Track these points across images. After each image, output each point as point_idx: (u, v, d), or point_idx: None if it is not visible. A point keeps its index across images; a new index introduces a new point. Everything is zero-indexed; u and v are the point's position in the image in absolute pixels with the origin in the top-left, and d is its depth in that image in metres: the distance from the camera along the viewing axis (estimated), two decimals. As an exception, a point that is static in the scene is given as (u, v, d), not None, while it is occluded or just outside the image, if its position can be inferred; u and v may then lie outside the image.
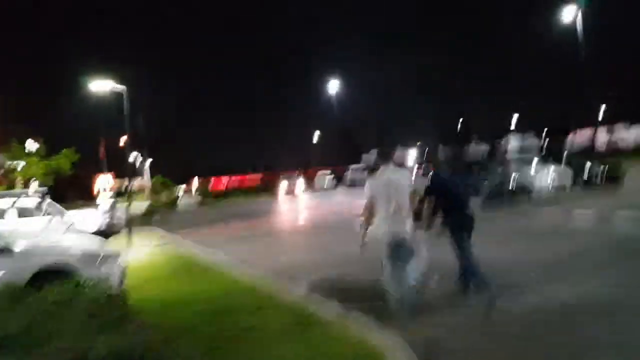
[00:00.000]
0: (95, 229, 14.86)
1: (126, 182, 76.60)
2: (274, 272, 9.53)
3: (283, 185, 46.37)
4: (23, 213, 14.01)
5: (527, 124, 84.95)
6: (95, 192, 22.69)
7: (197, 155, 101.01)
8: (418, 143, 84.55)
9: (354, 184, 44.78)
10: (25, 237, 8.04)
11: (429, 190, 6.50)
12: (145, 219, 28.68)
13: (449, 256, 6.84)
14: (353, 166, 49.30)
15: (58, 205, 15.08)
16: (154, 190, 51.27)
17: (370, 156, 78.63)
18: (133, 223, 25.77)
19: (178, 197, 46.47)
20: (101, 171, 23.44)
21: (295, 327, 5.66)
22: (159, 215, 32.34)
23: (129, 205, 17.42)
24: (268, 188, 51.73)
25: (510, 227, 12.98)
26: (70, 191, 58.75)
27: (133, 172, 76.79)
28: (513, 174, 20.10)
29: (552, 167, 20.76)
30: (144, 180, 65.28)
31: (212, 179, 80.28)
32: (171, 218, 31.58)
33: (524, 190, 19.64)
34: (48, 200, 14.80)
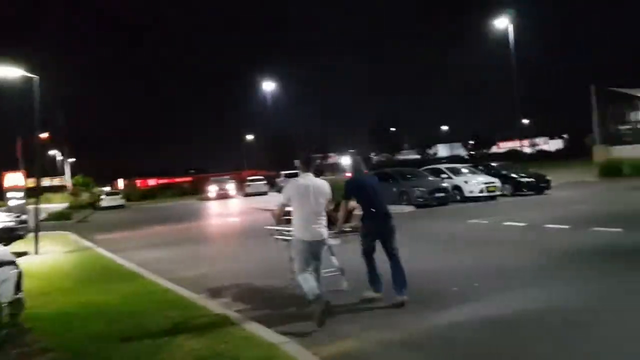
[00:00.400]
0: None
1: (39, 182, 72.48)
2: (189, 282, 8.75)
3: (213, 188, 44.91)
4: None
5: (454, 134, 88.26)
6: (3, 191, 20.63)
7: (127, 156, 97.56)
8: (350, 150, 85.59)
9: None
10: None
11: (347, 193, 6.52)
12: (61, 222, 26.85)
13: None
14: (285, 172, 48.55)
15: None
16: (74, 192, 48.52)
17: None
18: (45, 226, 24.06)
19: (100, 198, 44.02)
20: (10, 169, 21.45)
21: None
22: (77, 217, 30.49)
23: (37, 205, 15.95)
24: (198, 191, 50.15)
25: (442, 235, 12.75)
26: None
27: (47, 170, 73.14)
28: (444, 182, 20.18)
29: (481, 176, 20.97)
30: (65, 180, 61.83)
31: (139, 180, 77.48)
32: (91, 220, 29.75)
33: (454, 198, 19.75)
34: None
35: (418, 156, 79.46)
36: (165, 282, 8.60)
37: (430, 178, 20.59)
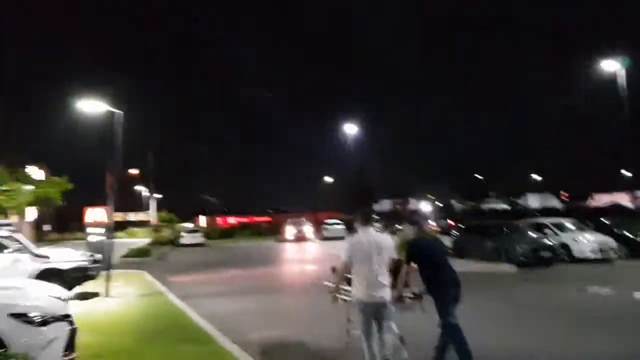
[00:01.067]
0: (70, 267, 12.70)
1: (122, 217, 74.63)
2: (262, 348, 7.49)
3: (290, 230, 44.07)
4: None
5: (544, 183, 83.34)
6: (84, 225, 20.49)
7: (206, 193, 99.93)
8: (429, 196, 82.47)
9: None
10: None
11: (409, 257, 5.99)
12: (140, 259, 26.67)
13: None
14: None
15: (26, 240, 13.10)
16: (156, 228, 49.31)
17: (381, 206, 76.64)
18: (123, 263, 23.89)
19: (181, 235, 44.26)
20: (95, 204, 21.29)
21: None
22: (156, 254, 30.38)
23: (111, 242, 15.40)
24: (275, 231, 49.57)
25: (559, 307, 10.70)
26: (60, 223, 57.23)
27: (132, 206, 75.71)
28: (549, 239, 17.94)
29: (591, 234, 18.51)
30: (149, 216, 63.50)
31: (219, 218, 78.63)
32: (168, 258, 29.49)
33: (561, 259, 17.42)
34: (15, 234, 12.89)
35: (506, 206, 75.36)
36: (237, 350, 7.30)
37: (532, 234, 18.40)
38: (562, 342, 7.58)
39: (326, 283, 6.70)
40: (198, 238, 43.35)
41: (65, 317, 6.21)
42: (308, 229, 44.22)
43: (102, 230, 20.07)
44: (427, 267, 5.98)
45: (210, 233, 53.98)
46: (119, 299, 12.28)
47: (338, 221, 45.05)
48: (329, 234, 42.37)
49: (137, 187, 71.16)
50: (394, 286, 5.75)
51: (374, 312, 5.43)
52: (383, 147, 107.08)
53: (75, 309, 10.89)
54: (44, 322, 5.59)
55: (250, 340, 8.08)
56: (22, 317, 5.49)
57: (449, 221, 42.06)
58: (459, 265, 17.39)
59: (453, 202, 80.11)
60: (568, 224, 19.92)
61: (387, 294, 5.49)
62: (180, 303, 11.44)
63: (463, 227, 21.22)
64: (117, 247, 31.72)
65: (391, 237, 5.85)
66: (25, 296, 6.19)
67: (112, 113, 14.22)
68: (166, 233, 47.42)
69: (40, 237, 43.52)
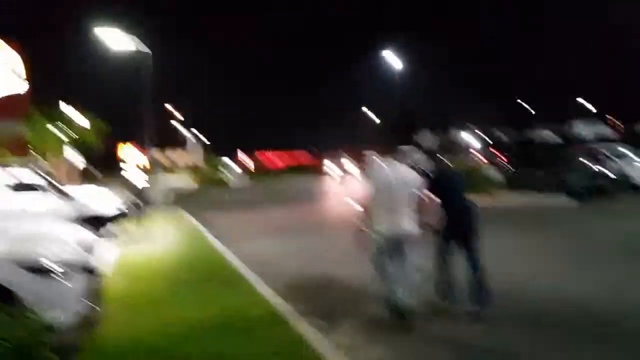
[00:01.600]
0: (109, 211, 12.36)
1: (163, 155, 75.25)
2: (305, 291, 7.06)
3: (334, 167, 43.53)
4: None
5: (589, 110, 79.02)
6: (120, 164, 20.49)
7: (243, 128, 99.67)
8: (471, 126, 79.57)
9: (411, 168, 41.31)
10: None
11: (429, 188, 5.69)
12: (186, 199, 26.71)
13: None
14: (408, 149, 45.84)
15: (59, 184, 12.79)
16: (196, 167, 49.61)
17: (423, 138, 74.95)
18: (166, 204, 23.90)
19: (227, 177, 44.52)
20: (124, 140, 21.10)
21: None
22: (200, 194, 30.50)
23: (153, 185, 15.16)
24: (318, 168, 49.20)
25: (615, 240, 9.68)
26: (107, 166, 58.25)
27: (176, 145, 76.23)
28: (605, 167, 16.64)
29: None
30: (190, 154, 64.00)
31: (261, 155, 78.84)
32: (213, 199, 29.51)
33: (623, 189, 16.13)
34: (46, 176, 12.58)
35: (553, 135, 72.27)
36: (274, 296, 6.79)
37: (590, 163, 17.12)
38: (631, 287, 6.64)
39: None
40: (243, 180, 43.63)
41: (88, 268, 5.79)
42: (352, 165, 43.51)
43: (143, 173, 20.09)
44: (441, 199, 5.75)
45: (254, 172, 54.25)
46: (157, 241, 12.00)
47: (375, 154, 44.20)
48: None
49: (176, 124, 71.39)
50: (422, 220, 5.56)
51: (394, 246, 5.28)
52: (427, 74, 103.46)
53: (108, 254, 10.69)
54: (62, 274, 5.13)
55: (293, 283, 7.62)
56: (36, 268, 5.04)
57: (495, 152, 40.58)
58: (513, 198, 16.56)
59: (495, 131, 77.30)
60: (626, 151, 18.45)
61: (412, 227, 5.32)
62: (220, 245, 11.03)
63: (514, 157, 19.99)
64: (162, 188, 32.14)
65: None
66: (43, 244, 5.72)
67: (143, 51, 13.56)
68: (211, 175, 47.73)
69: (86, 180, 44.29)
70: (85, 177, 32.02)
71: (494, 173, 18.87)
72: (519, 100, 72.59)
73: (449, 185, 5.88)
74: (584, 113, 75.78)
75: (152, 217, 15.82)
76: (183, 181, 45.11)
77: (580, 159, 17.43)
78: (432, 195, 5.63)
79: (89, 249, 7.38)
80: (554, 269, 7.70)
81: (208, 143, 66.99)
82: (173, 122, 71.38)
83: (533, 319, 5.52)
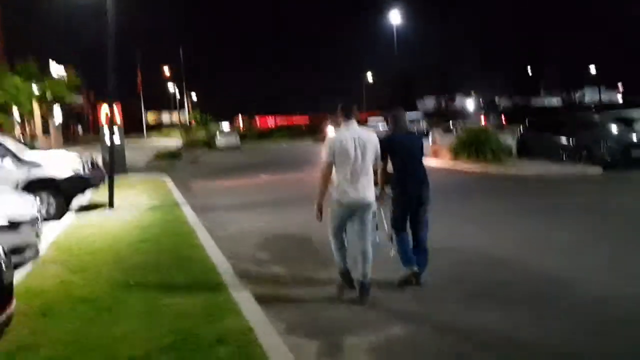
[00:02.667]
0: (65, 176, 10.56)
1: (155, 117, 72.86)
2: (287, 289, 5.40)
3: (331, 130, 41.51)
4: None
5: (596, 77, 76.74)
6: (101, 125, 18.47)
7: (243, 93, 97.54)
8: (474, 93, 77.32)
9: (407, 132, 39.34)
10: None
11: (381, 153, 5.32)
12: (170, 161, 24.91)
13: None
14: (408, 114, 43.76)
15: (13, 144, 10.99)
16: (186, 128, 47.54)
17: (425, 103, 72.63)
18: (150, 167, 22.18)
19: (216, 137, 42.29)
20: (103, 99, 19.18)
21: None
22: (187, 157, 28.65)
23: (112, 145, 13.25)
24: (315, 132, 46.97)
25: None
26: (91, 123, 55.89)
27: (165, 105, 73.73)
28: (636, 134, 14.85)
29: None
30: (184, 117, 61.84)
31: (257, 117, 76.61)
32: (200, 161, 27.73)
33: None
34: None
35: (556, 101, 70.32)
36: (254, 306, 5.02)
37: (619, 129, 15.31)
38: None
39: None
40: (233, 140, 41.38)
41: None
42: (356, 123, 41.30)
43: (116, 131, 18.15)
44: (395, 164, 5.49)
45: (248, 134, 52.14)
46: (124, 212, 10.25)
47: (380, 119, 42.05)
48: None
49: (170, 86, 68.89)
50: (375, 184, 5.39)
51: (351, 213, 5.06)
52: (429, 38, 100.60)
53: (61, 226, 9.04)
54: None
55: (279, 280, 5.98)
56: None
57: (502, 117, 38.75)
58: (527, 167, 14.80)
59: (497, 98, 75.25)
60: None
61: (371, 194, 5.07)
62: (199, 222, 9.23)
63: (528, 122, 18.04)
64: (148, 149, 30.30)
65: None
66: None
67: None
68: (200, 134, 45.68)
69: (67, 140, 42.33)
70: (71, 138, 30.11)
71: (504, 139, 17.00)
72: (527, 68, 70.45)
73: (403, 149, 5.48)
74: (592, 82, 73.96)
75: (124, 182, 14.09)
76: (173, 142, 43.23)
77: (608, 124, 15.61)
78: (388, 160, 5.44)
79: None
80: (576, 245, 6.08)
81: (202, 106, 64.95)
82: (170, 84, 69.11)
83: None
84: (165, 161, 24.91)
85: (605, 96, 71.98)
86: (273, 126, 69.30)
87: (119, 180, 16.16)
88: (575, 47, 71.51)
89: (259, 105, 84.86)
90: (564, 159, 14.94)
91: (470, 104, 77.01)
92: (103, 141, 17.67)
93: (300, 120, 74.44)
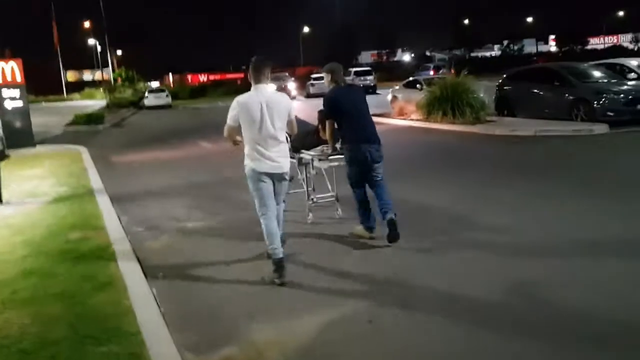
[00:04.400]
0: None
1: (75, 75, 67.32)
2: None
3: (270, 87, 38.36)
4: None
5: (535, 27, 76.66)
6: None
7: (173, 51, 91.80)
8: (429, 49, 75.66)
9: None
10: None
11: (328, 111, 5.23)
12: (90, 127, 21.32)
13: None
14: (355, 69, 41.23)
15: None
16: (109, 87, 42.90)
17: (362, 58, 70.19)
18: (65, 134, 18.72)
19: (145, 96, 38.26)
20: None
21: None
22: (112, 119, 24.99)
23: (26, 109, 10.12)
24: (250, 88, 43.63)
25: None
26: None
27: (86, 62, 67.27)
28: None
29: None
30: (104, 75, 56.55)
31: (189, 75, 71.77)
32: (126, 124, 24.23)
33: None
34: None
35: (497, 52, 69.68)
36: None
37: (617, 80, 13.42)
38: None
39: None
40: (163, 98, 37.43)
41: None
42: (292, 86, 38.35)
43: (19, 93, 14.70)
44: (342, 120, 5.15)
45: (179, 92, 48.01)
46: (14, 211, 7.27)
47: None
48: (316, 90, 36.66)
49: (91, 41, 62.79)
50: (320, 142, 5.61)
51: (268, 184, 4.51)
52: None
53: None
54: None
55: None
56: None
57: (451, 69, 36.95)
58: (513, 126, 12.63)
59: (431, 52, 73.99)
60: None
61: (283, 163, 4.54)
62: (113, 222, 6.43)
63: (509, 74, 15.78)
64: (66, 112, 26.20)
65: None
66: None
67: None
68: (126, 94, 41.35)
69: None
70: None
71: (480, 95, 14.71)
72: (465, 21, 69.01)
73: (349, 103, 5.13)
74: (529, 33, 73.74)
75: (28, 159, 10.98)
76: (96, 103, 38.83)
77: (608, 75, 13.67)
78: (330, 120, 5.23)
79: None
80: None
81: (129, 65, 59.68)
82: (91, 41, 62.78)
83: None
84: (86, 126, 21.29)
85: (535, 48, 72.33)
86: (207, 81, 64.93)
87: (20, 156, 12.99)
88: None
89: (191, 64, 79.77)
90: (558, 115, 12.93)
91: (407, 57, 75.66)
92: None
93: (235, 76, 70.27)
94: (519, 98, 14.43)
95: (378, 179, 5.13)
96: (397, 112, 16.97)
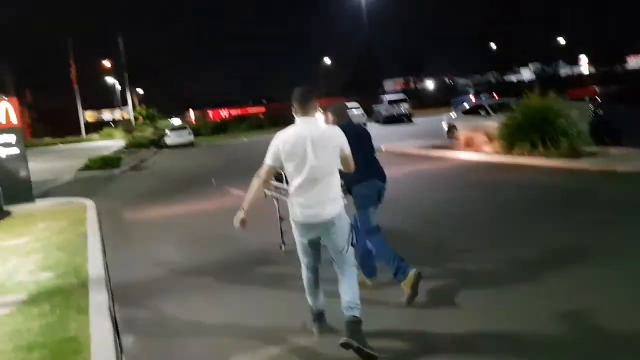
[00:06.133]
0: None
1: (94, 115, 66.45)
2: None
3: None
4: None
5: (571, 48, 73.81)
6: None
7: (193, 87, 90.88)
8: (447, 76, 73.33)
9: (392, 120, 34.31)
10: None
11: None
12: (106, 172, 19.00)
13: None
14: (388, 97, 38.68)
15: None
16: (128, 128, 41.03)
17: (386, 87, 67.82)
18: (78, 181, 16.36)
19: (166, 134, 36.18)
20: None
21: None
22: (130, 162, 22.71)
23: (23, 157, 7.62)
24: (276, 122, 41.23)
25: None
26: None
27: (106, 102, 66.11)
28: None
29: None
30: (127, 113, 55.07)
31: (210, 111, 70.16)
32: (147, 167, 21.87)
33: None
34: None
35: (530, 76, 66.79)
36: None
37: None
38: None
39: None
40: (186, 136, 35.27)
41: None
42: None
43: (14, 139, 12.35)
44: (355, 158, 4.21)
45: (201, 129, 45.99)
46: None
47: (356, 105, 36.67)
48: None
49: (110, 80, 61.65)
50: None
51: (315, 236, 3.69)
52: (394, 18, 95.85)
53: None
54: None
55: None
56: None
57: (494, 95, 34.38)
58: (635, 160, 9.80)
59: (448, 77, 71.39)
60: None
61: (332, 208, 3.62)
62: (102, 338, 3.82)
63: (609, 93, 13.04)
64: (83, 155, 23.92)
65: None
66: None
67: None
68: (147, 132, 39.36)
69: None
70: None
71: (576, 120, 11.88)
72: (493, 45, 66.46)
73: (360, 140, 4.59)
74: (563, 54, 70.84)
75: (19, 220, 8.54)
76: (115, 143, 36.87)
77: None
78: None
79: None
80: None
81: (150, 103, 58.20)
82: (111, 80, 61.68)
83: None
84: (100, 171, 18.97)
85: (570, 70, 69.30)
86: (229, 117, 63.18)
87: (12, 216, 10.52)
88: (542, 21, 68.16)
89: (211, 99, 78.22)
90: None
91: (434, 84, 73.27)
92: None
93: (256, 111, 68.45)
94: (624, 123, 11.62)
95: None
96: (463, 143, 14.24)
